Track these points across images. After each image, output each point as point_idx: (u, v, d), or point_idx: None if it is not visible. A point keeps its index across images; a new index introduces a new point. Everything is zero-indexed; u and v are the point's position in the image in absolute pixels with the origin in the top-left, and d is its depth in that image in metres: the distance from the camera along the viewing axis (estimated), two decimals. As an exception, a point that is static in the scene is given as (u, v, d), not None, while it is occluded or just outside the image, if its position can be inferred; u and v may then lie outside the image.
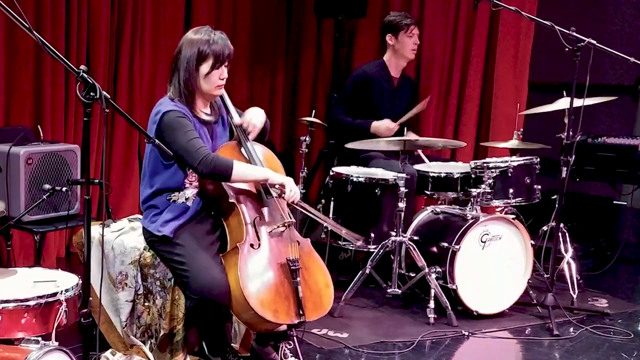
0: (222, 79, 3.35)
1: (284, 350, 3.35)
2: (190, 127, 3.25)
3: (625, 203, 5.92)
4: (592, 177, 5.54)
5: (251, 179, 3.34)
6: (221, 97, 3.50)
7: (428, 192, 4.76)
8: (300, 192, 4.77)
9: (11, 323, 2.67)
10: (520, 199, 4.57)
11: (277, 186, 3.36)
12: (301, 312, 3.22)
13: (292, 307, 3.22)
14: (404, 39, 5.01)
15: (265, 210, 3.39)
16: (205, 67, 3.30)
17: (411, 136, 4.79)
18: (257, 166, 3.37)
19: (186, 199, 3.33)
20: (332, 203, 4.56)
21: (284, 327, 3.30)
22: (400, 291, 4.31)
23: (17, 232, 4.42)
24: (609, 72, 6.16)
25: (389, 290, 4.32)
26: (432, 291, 4.21)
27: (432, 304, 4.20)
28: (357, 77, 5.11)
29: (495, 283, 4.39)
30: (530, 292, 4.54)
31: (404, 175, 4.29)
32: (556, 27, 4.03)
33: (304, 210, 3.51)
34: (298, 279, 3.23)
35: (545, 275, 4.48)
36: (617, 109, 5.97)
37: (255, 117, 3.50)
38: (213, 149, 3.36)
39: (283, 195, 3.34)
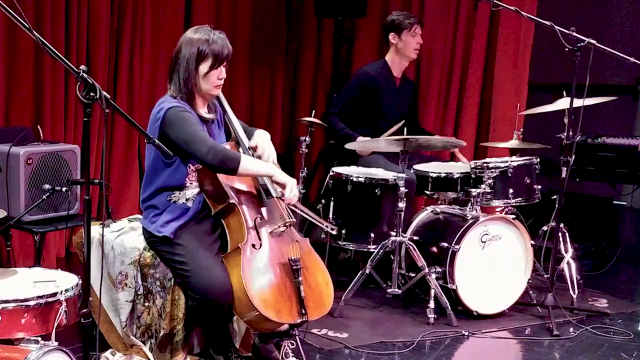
0: (221, 79, 3.36)
1: (286, 349, 3.36)
2: (195, 120, 3.27)
3: (625, 203, 5.92)
4: (592, 177, 5.53)
5: (257, 173, 3.34)
6: (219, 99, 3.50)
7: (428, 192, 4.75)
8: (300, 192, 4.83)
9: (11, 323, 2.67)
10: (520, 199, 4.57)
11: (279, 185, 3.35)
12: (303, 312, 3.23)
13: (295, 307, 3.23)
14: (407, 38, 5.00)
15: (265, 210, 3.40)
16: (204, 67, 3.30)
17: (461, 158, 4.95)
18: (263, 162, 3.37)
19: (186, 200, 3.34)
20: (332, 203, 4.56)
21: (285, 327, 3.31)
22: (400, 291, 4.31)
23: (17, 232, 4.42)
24: (609, 72, 6.16)
25: (389, 290, 4.32)
26: (432, 291, 4.20)
27: (432, 304, 4.20)
28: (362, 78, 5.05)
29: (495, 283, 4.39)
30: (530, 292, 4.53)
31: (404, 175, 4.29)
32: (556, 27, 4.03)
33: (300, 212, 3.51)
34: (300, 278, 3.24)
35: (545, 275, 4.49)
36: (617, 109, 5.97)
37: (269, 147, 3.48)
38: None
39: (283, 196, 3.34)
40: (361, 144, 4.71)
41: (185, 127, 3.21)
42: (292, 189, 3.33)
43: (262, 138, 3.51)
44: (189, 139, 3.19)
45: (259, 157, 3.45)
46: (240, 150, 3.45)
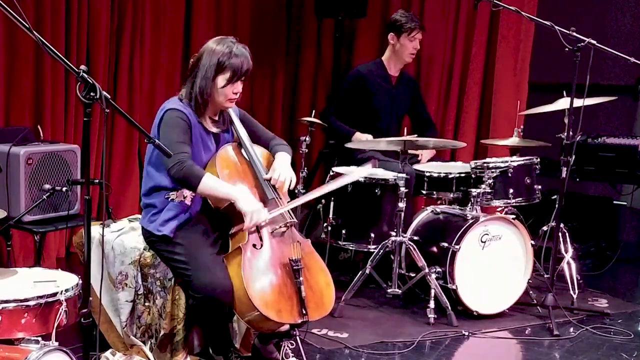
0: (236, 93, 3.34)
1: (286, 349, 3.36)
2: (185, 130, 3.24)
3: (625, 203, 5.91)
4: (592, 177, 5.53)
5: (218, 195, 3.26)
6: (232, 121, 3.48)
7: (428, 192, 4.75)
8: (300, 193, 4.82)
9: (11, 323, 2.66)
10: (520, 199, 4.57)
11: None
12: (304, 312, 3.22)
13: (295, 307, 3.23)
14: (405, 41, 4.97)
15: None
16: (221, 80, 3.29)
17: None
18: (228, 185, 3.28)
19: (184, 197, 3.33)
20: (332, 203, 4.55)
21: (286, 327, 3.30)
22: (400, 291, 4.31)
23: (17, 232, 4.42)
24: (609, 72, 6.16)
25: (389, 290, 4.32)
26: (432, 291, 4.20)
27: (432, 304, 4.20)
28: (350, 76, 5.10)
29: (495, 283, 4.39)
30: (530, 292, 4.53)
31: (404, 175, 4.29)
32: (556, 27, 4.03)
33: (288, 207, 3.42)
34: (301, 278, 3.24)
35: (545, 275, 4.49)
36: (617, 109, 5.97)
37: (285, 173, 3.40)
38: None
39: (242, 226, 3.23)
40: (358, 143, 4.72)
41: (169, 132, 3.19)
42: (253, 218, 3.20)
43: (279, 165, 3.42)
44: (165, 145, 3.15)
45: (274, 187, 3.39)
46: (242, 151, 3.45)
